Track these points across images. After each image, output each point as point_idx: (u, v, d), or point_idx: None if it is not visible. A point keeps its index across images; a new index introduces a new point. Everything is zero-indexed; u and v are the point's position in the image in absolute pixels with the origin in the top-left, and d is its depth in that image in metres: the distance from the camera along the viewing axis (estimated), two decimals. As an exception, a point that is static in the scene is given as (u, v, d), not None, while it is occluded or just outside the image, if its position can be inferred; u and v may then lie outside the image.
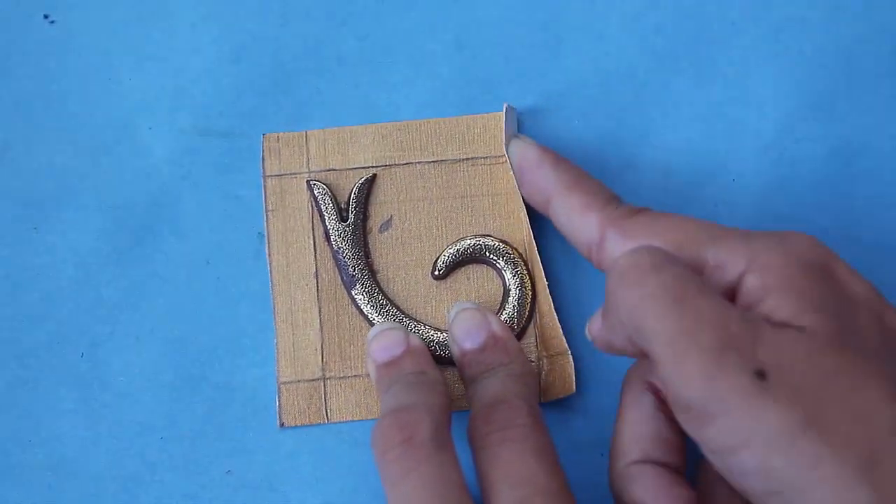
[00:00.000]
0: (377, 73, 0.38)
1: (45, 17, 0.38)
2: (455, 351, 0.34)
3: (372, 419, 0.35)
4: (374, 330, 0.34)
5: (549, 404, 0.36)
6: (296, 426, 0.35)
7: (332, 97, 0.37)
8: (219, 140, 0.37)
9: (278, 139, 0.36)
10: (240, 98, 0.37)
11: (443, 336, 0.35)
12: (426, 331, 0.35)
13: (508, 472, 0.29)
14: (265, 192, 0.36)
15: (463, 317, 0.34)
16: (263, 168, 0.36)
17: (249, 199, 0.37)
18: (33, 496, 0.35)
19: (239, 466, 0.36)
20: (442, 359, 0.35)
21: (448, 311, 0.35)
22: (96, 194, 0.37)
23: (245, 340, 0.36)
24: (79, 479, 0.35)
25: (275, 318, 0.36)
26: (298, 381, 0.35)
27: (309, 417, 0.35)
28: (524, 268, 0.36)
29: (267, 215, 0.36)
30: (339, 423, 0.36)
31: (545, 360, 0.36)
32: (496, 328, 0.34)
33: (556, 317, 0.36)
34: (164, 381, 0.36)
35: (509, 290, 0.36)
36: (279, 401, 0.35)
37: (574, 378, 0.35)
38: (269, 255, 0.36)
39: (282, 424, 0.35)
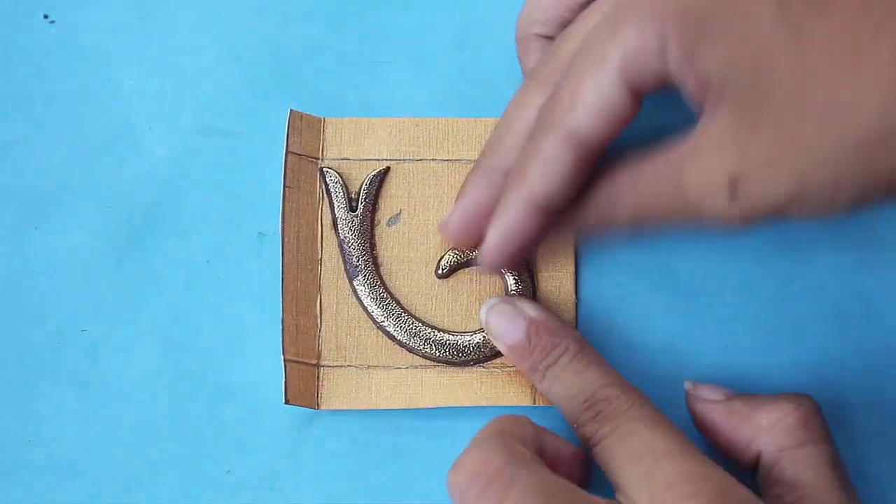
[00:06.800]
0: (377, 73, 0.38)
1: (45, 17, 0.38)
2: (502, 348, 0.34)
3: (360, 409, 0.35)
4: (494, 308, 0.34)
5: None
6: (297, 406, 0.35)
7: (332, 97, 0.37)
8: (219, 140, 0.37)
9: (301, 118, 0.36)
10: (240, 98, 0.37)
11: (438, 335, 0.35)
12: (423, 329, 0.35)
13: (631, 451, 0.30)
14: (285, 168, 0.36)
15: (495, 312, 0.34)
16: (287, 143, 0.36)
17: (249, 199, 0.37)
18: (33, 496, 0.35)
19: (239, 466, 0.36)
20: (438, 359, 0.35)
21: (479, 311, 0.35)
22: (96, 194, 0.37)
23: (245, 340, 0.36)
24: (79, 479, 0.35)
25: (282, 295, 0.35)
26: (299, 362, 0.35)
27: (305, 400, 0.35)
28: (527, 274, 0.36)
29: (284, 191, 0.35)
30: (331, 411, 0.35)
31: None
32: (532, 313, 0.33)
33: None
34: (164, 381, 0.36)
35: (512, 295, 0.36)
36: (285, 377, 0.34)
37: None
38: (283, 231, 0.35)
39: (287, 401, 0.34)
